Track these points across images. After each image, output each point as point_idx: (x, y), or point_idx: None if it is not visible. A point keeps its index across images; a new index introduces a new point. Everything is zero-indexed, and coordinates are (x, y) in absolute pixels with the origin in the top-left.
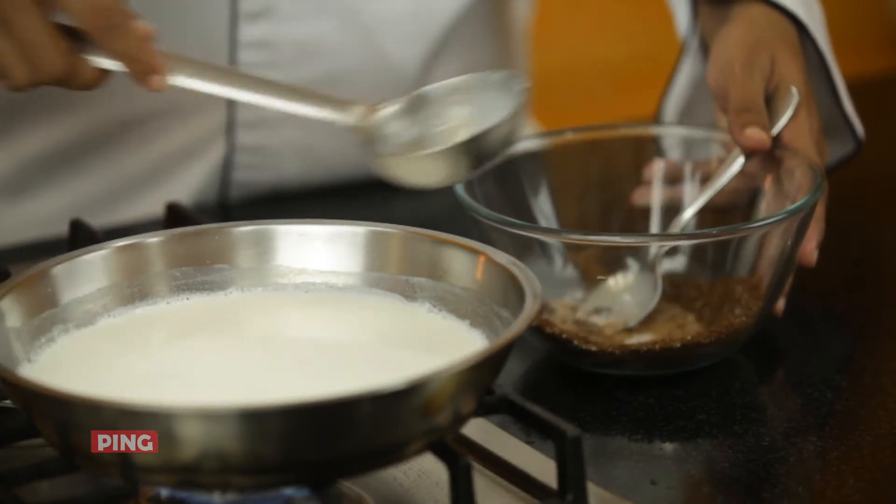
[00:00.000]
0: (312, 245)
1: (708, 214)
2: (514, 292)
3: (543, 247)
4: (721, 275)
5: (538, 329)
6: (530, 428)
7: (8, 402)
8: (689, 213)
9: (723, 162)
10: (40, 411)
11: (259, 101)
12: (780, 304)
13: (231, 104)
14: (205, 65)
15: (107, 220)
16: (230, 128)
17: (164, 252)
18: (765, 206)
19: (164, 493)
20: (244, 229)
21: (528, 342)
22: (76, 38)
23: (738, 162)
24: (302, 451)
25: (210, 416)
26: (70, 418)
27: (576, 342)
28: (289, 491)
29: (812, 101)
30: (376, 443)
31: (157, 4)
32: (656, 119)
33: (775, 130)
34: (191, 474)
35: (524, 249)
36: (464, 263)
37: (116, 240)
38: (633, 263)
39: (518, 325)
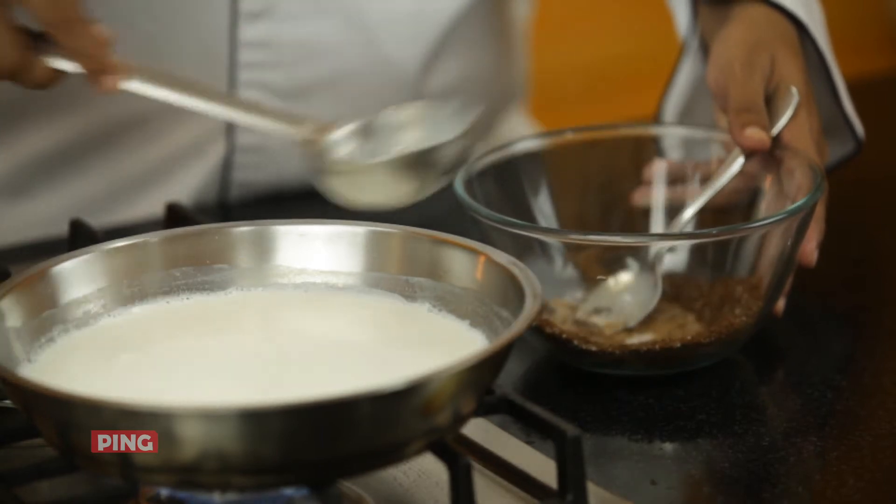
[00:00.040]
0: (312, 245)
1: (708, 214)
2: (514, 292)
3: (543, 247)
4: (721, 275)
5: (538, 329)
6: (530, 428)
7: (8, 402)
8: (689, 213)
9: (723, 162)
10: (40, 411)
11: (211, 110)
12: (780, 304)
13: None
14: (161, 73)
15: (107, 220)
16: (230, 128)
17: (164, 252)
18: (765, 206)
19: (164, 493)
20: (244, 229)
21: (528, 342)
22: (34, 39)
23: (738, 162)
24: (302, 451)
25: (210, 416)
26: (70, 418)
27: (576, 342)
28: (289, 491)
29: (812, 101)
30: (376, 443)
31: (157, 4)
32: (656, 119)
33: (775, 130)
34: (191, 474)
35: (524, 249)
36: (464, 263)
37: (116, 240)
38: (633, 263)
39: (518, 325)
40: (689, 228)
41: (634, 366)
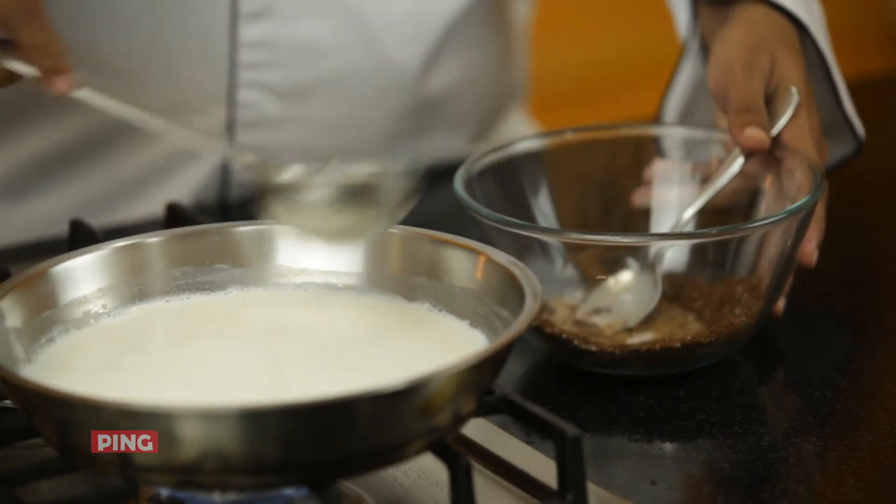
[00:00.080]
0: (312, 245)
1: (708, 214)
2: (514, 292)
3: (543, 247)
4: (721, 275)
5: (538, 329)
6: (530, 428)
7: (8, 402)
8: (689, 213)
9: (723, 162)
10: (40, 411)
11: (155, 127)
12: (780, 304)
13: (231, 104)
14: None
15: (107, 220)
16: (230, 128)
17: (164, 252)
18: (765, 206)
19: (164, 493)
20: (244, 229)
21: (528, 342)
22: None
23: (738, 162)
24: (302, 451)
25: (210, 416)
26: (70, 418)
27: (576, 342)
28: (289, 491)
29: (812, 101)
30: (376, 443)
31: (157, 4)
32: (656, 119)
33: (775, 130)
34: (191, 474)
35: (524, 249)
36: (464, 263)
37: (116, 240)
38: (633, 263)
39: (518, 325)
40: (689, 228)
41: (634, 366)
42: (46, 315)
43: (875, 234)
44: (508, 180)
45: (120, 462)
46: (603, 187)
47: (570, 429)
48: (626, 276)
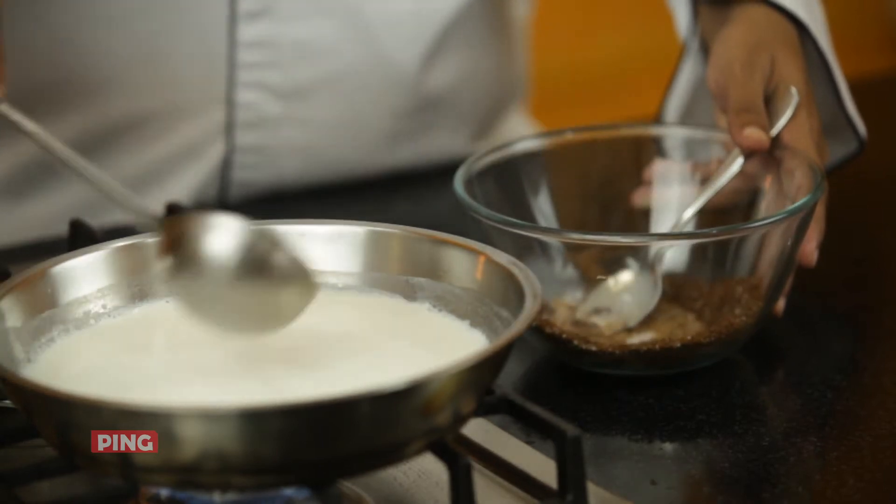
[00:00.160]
0: (312, 245)
1: (708, 214)
2: (514, 292)
3: (543, 247)
4: (721, 275)
5: (538, 329)
6: (530, 428)
7: (8, 402)
8: (689, 213)
9: (723, 162)
10: (40, 411)
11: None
12: (780, 304)
13: (230, 104)
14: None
15: (107, 220)
16: (229, 128)
17: None
18: (765, 206)
19: (164, 493)
20: None
21: (528, 342)
22: None
23: (738, 162)
24: (302, 451)
25: (210, 417)
26: (70, 418)
27: (576, 342)
28: (289, 491)
29: (812, 101)
30: (376, 443)
31: (157, 4)
32: (657, 119)
33: (775, 131)
34: (191, 474)
35: (524, 249)
36: (464, 263)
37: (116, 240)
38: (633, 263)
39: (518, 325)
40: (689, 228)
41: (634, 366)
42: (46, 315)
43: (875, 234)
44: (508, 180)
45: (120, 462)
46: (603, 187)
47: (570, 429)
48: (626, 276)
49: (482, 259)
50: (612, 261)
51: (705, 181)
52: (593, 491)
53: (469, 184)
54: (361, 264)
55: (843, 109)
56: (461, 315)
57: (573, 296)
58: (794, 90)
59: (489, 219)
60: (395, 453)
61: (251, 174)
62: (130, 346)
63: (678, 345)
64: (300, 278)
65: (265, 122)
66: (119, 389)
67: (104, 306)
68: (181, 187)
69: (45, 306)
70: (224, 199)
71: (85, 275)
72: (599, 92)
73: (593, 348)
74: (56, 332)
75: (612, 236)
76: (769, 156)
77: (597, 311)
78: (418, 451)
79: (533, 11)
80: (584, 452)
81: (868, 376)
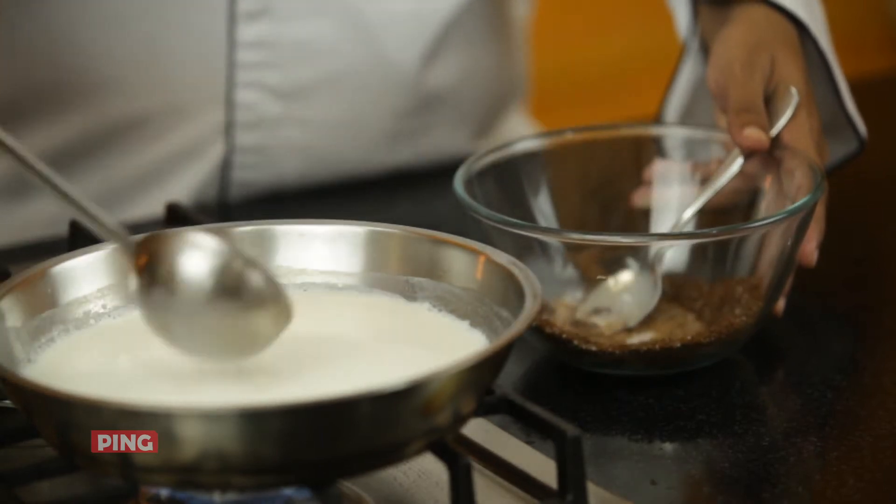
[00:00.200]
0: (312, 245)
1: (708, 214)
2: (514, 292)
3: (543, 247)
4: (721, 275)
5: (538, 329)
6: (530, 428)
7: (8, 402)
8: (689, 213)
9: (723, 162)
10: (40, 411)
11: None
12: (780, 304)
13: (230, 104)
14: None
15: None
16: (229, 128)
17: None
18: (765, 206)
19: (164, 493)
20: (244, 229)
21: (528, 342)
22: None
23: (738, 162)
24: (302, 451)
25: (210, 417)
26: (70, 418)
27: (576, 342)
28: (289, 491)
29: (812, 101)
30: (376, 443)
31: (156, 5)
32: (657, 119)
33: (775, 131)
34: (191, 474)
35: (524, 249)
36: (464, 263)
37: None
38: (633, 263)
39: (518, 325)
40: (689, 228)
41: (634, 366)
42: (46, 315)
43: (876, 234)
44: (508, 180)
45: (120, 462)
46: (603, 187)
47: (570, 429)
48: (625, 276)
49: (482, 259)
50: (612, 261)
51: (705, 181)
52: (593, 491)
53: (469, 184)
54: (361, 264)
55: (844, 109)
56: (461, 315)
57: (573, 296)
58: (794, 90)
59: (489, 219)
60: (395, 453)
61: (251, 174)
62: (131, 346)
63: (678, 345)
64: (274, 305)
65: (265, 122)
66: (119, 389)
67: (104, 306)
68: (181, 188)
69: (45, 306)
70: (224, 200)
71: (85, 275)
72: (599, 92)
73: (593, 348)
74: (56, 332)
75: (612, 236)
76: (769, 156)
77: (597, 311)
78: (418, 451)
79: (533, 11)
80: (584, 452)
81: (868, 376)
